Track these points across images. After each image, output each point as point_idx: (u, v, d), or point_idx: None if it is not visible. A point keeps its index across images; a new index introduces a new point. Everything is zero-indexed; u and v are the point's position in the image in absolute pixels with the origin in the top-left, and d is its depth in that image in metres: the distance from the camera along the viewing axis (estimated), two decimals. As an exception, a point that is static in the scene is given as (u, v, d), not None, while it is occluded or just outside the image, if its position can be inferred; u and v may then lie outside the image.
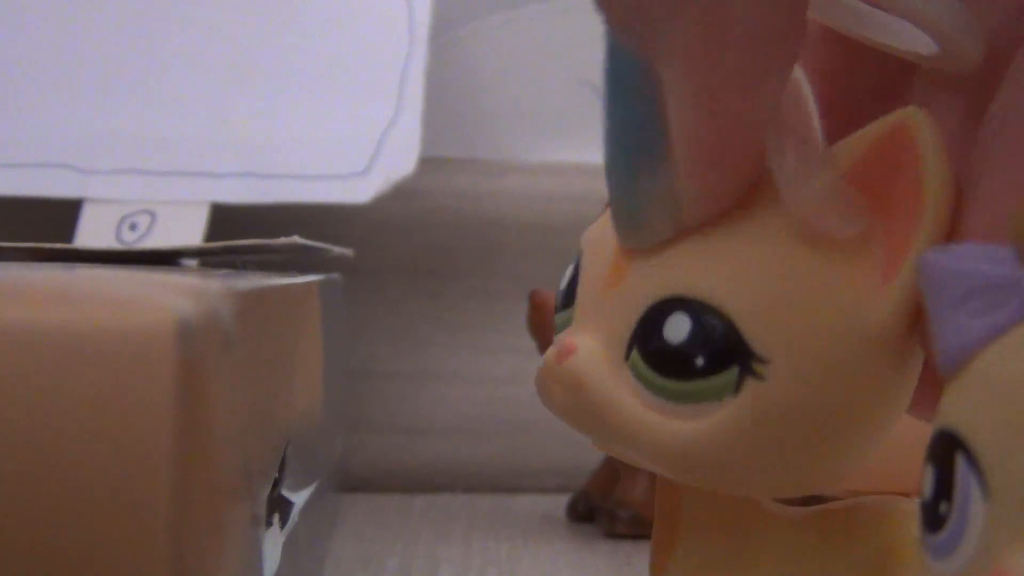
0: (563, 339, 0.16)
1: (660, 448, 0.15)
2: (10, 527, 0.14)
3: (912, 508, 0.16)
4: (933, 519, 0.12)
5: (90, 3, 0.42)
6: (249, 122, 0.40)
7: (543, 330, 0.36)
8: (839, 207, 0.15)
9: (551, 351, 0.16)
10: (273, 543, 0.22)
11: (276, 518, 0.23)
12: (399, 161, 0.39)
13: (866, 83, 0.17)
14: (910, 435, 0.15)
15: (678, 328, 0.15)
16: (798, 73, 0.15)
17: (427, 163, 0.39)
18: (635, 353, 0.15)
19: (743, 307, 0.15)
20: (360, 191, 0.38)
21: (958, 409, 0.12)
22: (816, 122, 0.16)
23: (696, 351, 0.15)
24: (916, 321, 0.15)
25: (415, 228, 0.45)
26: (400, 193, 0.39)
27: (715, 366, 0.15)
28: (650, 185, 0.15)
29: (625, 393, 0.15)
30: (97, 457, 0.14)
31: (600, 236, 0.17)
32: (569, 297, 0.17)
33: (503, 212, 0.46)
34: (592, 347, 0.16)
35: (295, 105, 0.40)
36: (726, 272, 0.15)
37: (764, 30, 0.14)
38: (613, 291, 0.16)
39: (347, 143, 0.39)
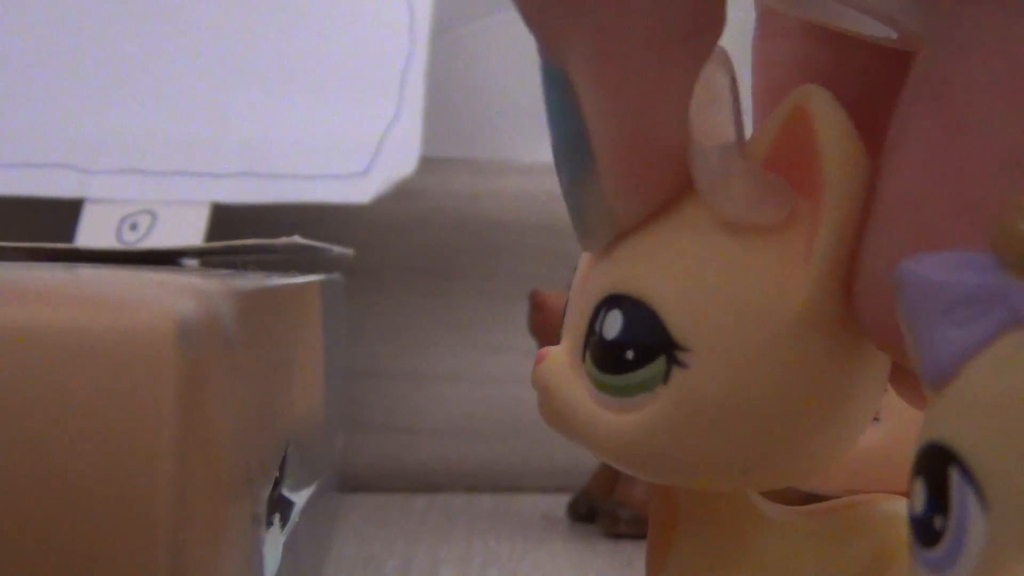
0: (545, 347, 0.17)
1: (607, 443, 0.16)
2: (10, 527, 0.14)
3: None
4: (927, 534, 0.12)
5: (90, 3, 0.42)
6: (250, 122, 0.40)
7: (543, 330, 0.36)
8: (761, 196, 0.15)
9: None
10: (273, 543, 0.22)
11: (276, 518, 0.23)
12: (400, 161, 0.39)
13: (852, 71, 0.17)
14: (905, 434, 0.15)
15: (612, 324, 0.15)
16: (715, 67, 0.15)
17: (428, 163, 0.39)
18: (587, 354, 0.16)
19: (664, 297, 0.15)
20: (361, 191, 0.38)
21: (949, 422, 0.12)
22: (736, 115, 0.16)
23: (627, 345, 0.15)
24: (844, 305, 0.15)
25: (415, 228, 0.45)
26: (400, 193, 0.39)
27: (644, 358, 0.15)
28: (585, 191, 0.16)
29: (582, 393, 0.16)
30: (97, 457, 0.14)
31: None
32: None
33: (503, 212, 0.46)
34: (559, 352, 0.16)
35: (296, 105, 0.40)
36: (650, 266, 0.15)
37: (664, 31, 0.14)
38: (578, 296, 0.16)
39: (348, 143, 0.39)
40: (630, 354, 0.15)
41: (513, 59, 0.48)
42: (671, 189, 0.15)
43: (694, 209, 0.15)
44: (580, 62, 0.15)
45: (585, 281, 0.16)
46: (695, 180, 0.15)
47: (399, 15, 0.42)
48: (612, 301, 0.15)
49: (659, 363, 0.15)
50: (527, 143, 0.47)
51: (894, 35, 0.16)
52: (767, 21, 0.18)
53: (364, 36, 0.41)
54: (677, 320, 0.15)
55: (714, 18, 0.15)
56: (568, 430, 0.16)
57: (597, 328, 0.16)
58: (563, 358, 0.16)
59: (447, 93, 0.46)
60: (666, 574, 0.18)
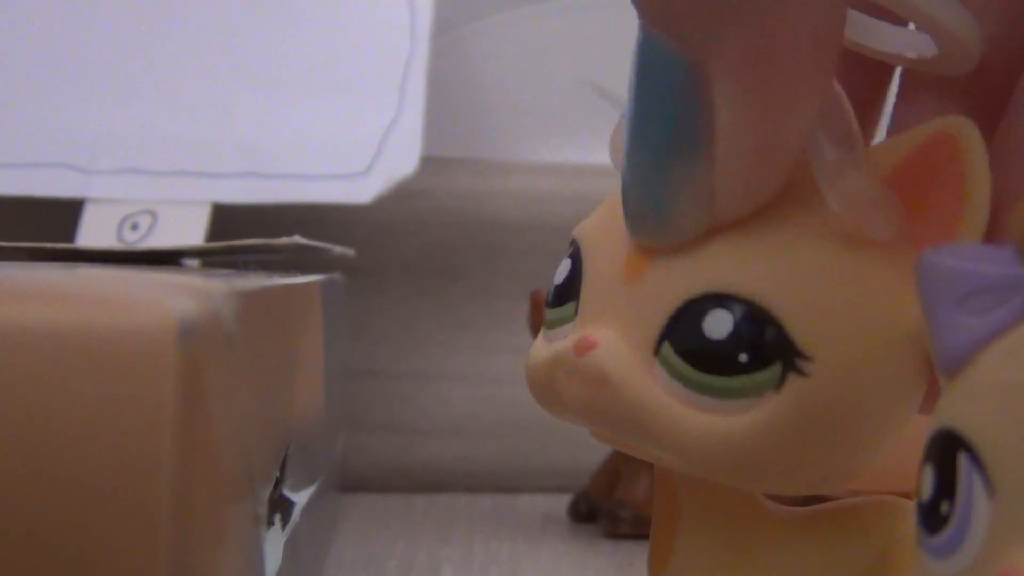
0: (580, 333, 0.16)
1: (695, 444, 0.15)
2: (10, 527, 0.14)
3: (911, 508, 0.16)
4: (933, 519, 0.12)
5: (91, 3, 0.42)
6: (251, 122, 0.40)
7: (544, 330, 0.36)
8: (878, 209, 0.15)
9: (564, 344, 0.16)
10: (274, 543, 0.22)
11: (277, 518, 0.23)
12: (400, 161, 0.39)
13: (857, 90, 0.17)
14: (909, 435, 0.15)
15: (719, 324, 0.15)
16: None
17: (428, 163, 0.39)
18: (667, 349, 0.15)
19: (788, 305, 0.15)
20: (362, 191, 0.38)
21: (960, 409, 0.12)
22: (855, 123, 0.16)
23: (739, 347, 0.15)
24: None
25: (416, 228, 0.45)
26: (401, 193, 0.39)
27: (759, 362, 0.15)
28: (684, 182, 0.15)
29: (655, 389, 0.15)
30: (98, 457, 0.14)
31: (603, 231, 0.17)
32: (568, 292, 0.17)
33: (504, 212, 0.46)
34: (615, 341, 0.16)
35: (297, 105, 0.40)
36: (767, 270, 0.15)
37: (816, 33, 0.14)
38: (633, 287, 0.16)
39: (349, 143, 0.39)
40: (743, 357, 0.15)
41: (514, 59, 0.48)
42: (779, 189, 0.15)
43: (802, 215, 0.15)
44: (728, 59, 0.14)
45: (637, 272, 0.16)
46: (818, 179, 0.15)
47: (400, 15, 0.42)
48: (714, 300, 0.15)
49: (774, 368, 0.15)
50: (528, 143, 0.47)
51: (929, 54, 0.16)
52: None
53: (365, 36, 0.41)
54: (801, 328, 0.15)
55: (844, 21, 0.15)
56: (624, 424, 0.16)
57: (694, 325, 0.15)
58: (624, 349, 0.16)
59: (448, 93, 0.46)
60: (669, 570, 0.18)
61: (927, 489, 0.12)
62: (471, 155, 0.47)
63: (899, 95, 0.18)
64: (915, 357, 0.15)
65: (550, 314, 0.17)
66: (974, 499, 0.11)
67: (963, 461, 0.11)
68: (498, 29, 0.48)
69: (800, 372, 0.15)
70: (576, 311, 0.17)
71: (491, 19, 0.48)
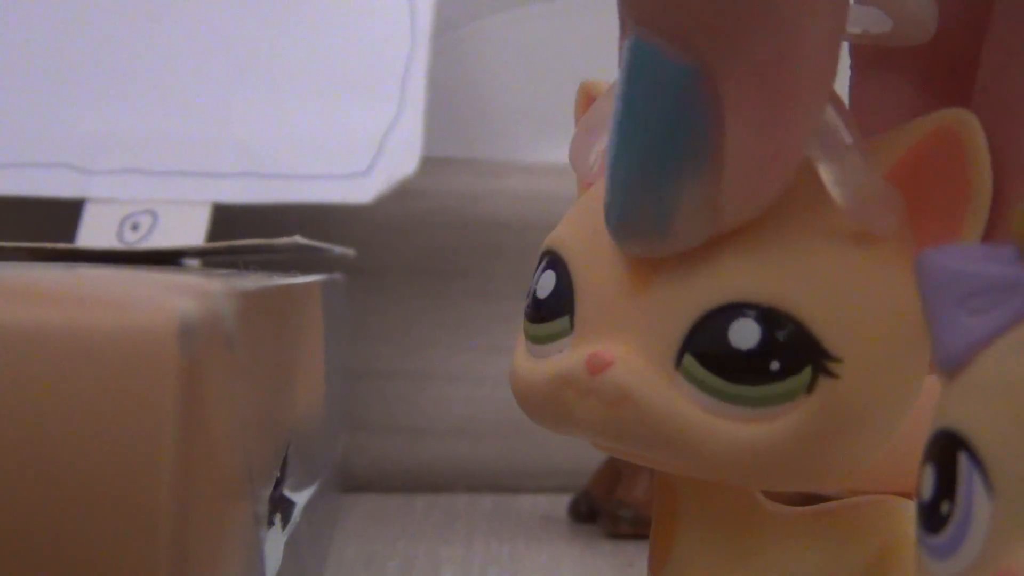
0: (587, 349, 0.16)
1: (729, 453, 0.15)
2: (11, 527, 0.14)
3: (911, 508, 0.16)
4: (933, 519, 0.12)
5: (91, 3, 0.42)
6: (251, 122, 0.40)
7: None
8: (883, 204, 0.15)
9: (570, 362, 0.16)
10: (275, 543, 0.22)
11: (278, 518, 0.23)
12: (401, 161, 0.39)
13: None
14: (909, 435, 0.15)
15: (746, 334, 0.15)
16: None
17: (429, 163, 0.39)
18: (690, 360, 0.15)
19: (813, 308, 0.15)
20: (362, 191, 0.38)
21: (960, 409, 0.12)
22: (854, 121, 0.16)
23: (769, 355, 0.15)
24: None
25: (417, 228, 0.45)
26: (402, 193, 0.39)
27: (790, 368, 0.15)
28: (687, 192, 0.15)
29: (681, 401, 0.15)
30: (98, 457, 0.14)
31: (588, 241, 0.16)
32: (556, 307, 0.16)
33: (504, 212, 0.46)
34: (632, 357, 0.15)
35: (297, 105, 0.40)
36: (784, 273, 0.15)
37: (829, 36, 0.14)
38: (640, 299, 0.15)
39: (349, 143, 0.39)
40: (774, 365, 0.15)
41: (515, 59, 0.48)
42: (782, 193, 0.15)
43: (807, 217, 0.15)
44: (741, 70, 0.14)
45: (643, 283, 0.15)
46: (825, 180, 0.15)
47: (400, 15, 0.41)
48: (736, 309, 0.15)
49: (805, 373, 0.15)
50: (529, 143, 0.47)
51: (881, 30, 0.16)
52: None
53: (365, 36, 0.41)
54: (828, 330, 0.15)
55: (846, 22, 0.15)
56: (650, 439, 0.15)
57: (716, 337, 0.15)
58: (641, 364, 0.15)
59: (448, 93, 0.46)
60: (667, 570, 0.18)
61: (927, 489, 0.12)
62: (471, 155, 0.47)
63: (853, 73, 0.17)
64: (928, 351, 0.15)
65: (535, 329, 0.17)
66: (974, 499, 0.11)
67: (963, 461, 0.11)
68: (498, 29, 0.48)
69: (830, 374, 0.15)
70: (571, 325, 0.16)
71: (491, 19, 0.48)
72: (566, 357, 0.16)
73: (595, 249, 0.16)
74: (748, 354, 0.15)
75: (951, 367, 0.12)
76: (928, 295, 0.13)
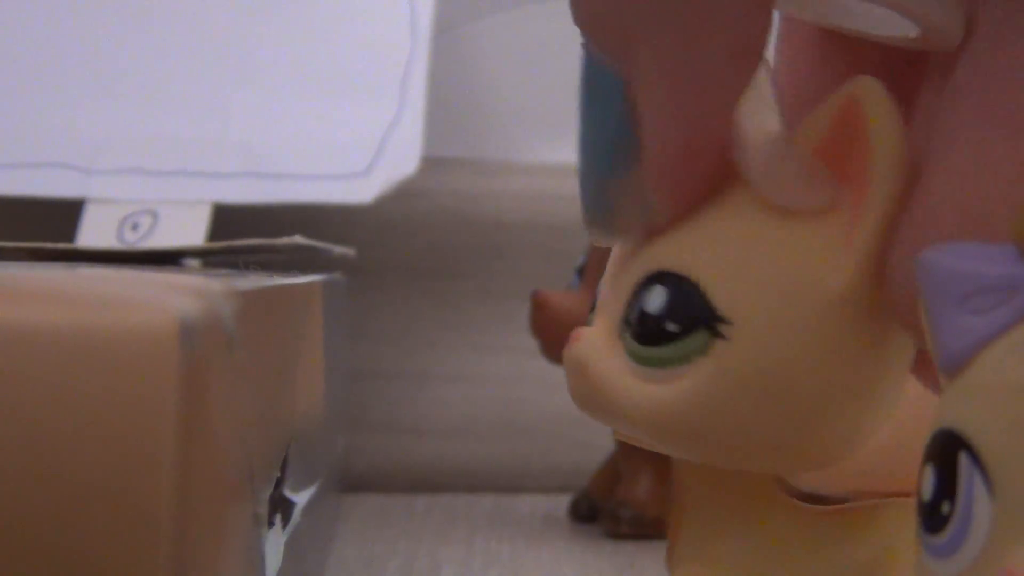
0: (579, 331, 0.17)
1: (640, 412, 0.16)
2: (11, 527, 0.14)
3: (912, 508, 0.16)
4: (934, 520, 0.12)
5: (91, 3, 0.42)
6: (251, 122, 0.40)
7: (545, 330, 0.36)
8: (808, 183, 0.16)
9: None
10: (275, 543, 0.22)
11: (278, 518, 0.23)
12: (401, 161, 0.39)
13: (838, 72, 0.17)
14: (909, 435, 0.15)
15: (655, 298, 0.16)
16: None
17: (429, 163, 0.39)
18: (623, 328, 0.16)
19: (708, 271, 0.16)
20: (362, 191, 0.38)
21: (960, 409, 0.12)
22: (777, 107, 0.16)
23: (669, 316, 0.16)
24: (879, 291, 0.15)
25: (417, 228, 0.45)
26: (402, 193, 0.39)
27: (686, 329, 0.16)
28: (621, 187, 0.16)
29: (620, 368, 0.16)
30: (99, 457, 0.14)
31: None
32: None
33: (504, 212, 0.46)
34: (593, 331, 0.17)
35: (297, 105, 0.40)
36: (695, 244, 0.16)
37: (736, 41, 0.15)
38: (614, 282, 0.17)
39: (349, 143, 0.39)
40: (672, 326, 0.16)
41: (514, 59, 0.48)
42: (712, 185, 0.16)
43: (737, 196, 0.16)
44: (649, 71, 0.15)
45: (621, 267, 0.17)
46: (745, 171, 0.16)
47: (400, 15, 0.42)
48: (654, 278, 0.16)
49: (700, 335, 0.16)
50: (528, 143, 0.47)
51: (912, 34, 0.16)
52: (787, 25, 0.18)
53: (365, 36, 0.41)
54: (720, 292, 0.16)
55: (769, 27, 0.15)
56: (601, 404, 0.17)
57: (639, 303, 0.16)
58: (599, 336, 0.17)
59: (448, 93, 0.46)
60: (674, 560, 0.18)
61: (928, 489, 0.12)
62: (471, 155, 0.47)
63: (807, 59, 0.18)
64: (852, 323, 0.15)
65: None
66: (975, 499, 0.11)
67: (964, 461, 0.11)
68: (498, 29, 0.48)
69: (722, 336, 0.15)
70: None
71: (491, 19, 0.48)
72: None
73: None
74: (654, 317, 0.16)
75: (952, 367, 0.12)
76: (928, 295, 0.13)
